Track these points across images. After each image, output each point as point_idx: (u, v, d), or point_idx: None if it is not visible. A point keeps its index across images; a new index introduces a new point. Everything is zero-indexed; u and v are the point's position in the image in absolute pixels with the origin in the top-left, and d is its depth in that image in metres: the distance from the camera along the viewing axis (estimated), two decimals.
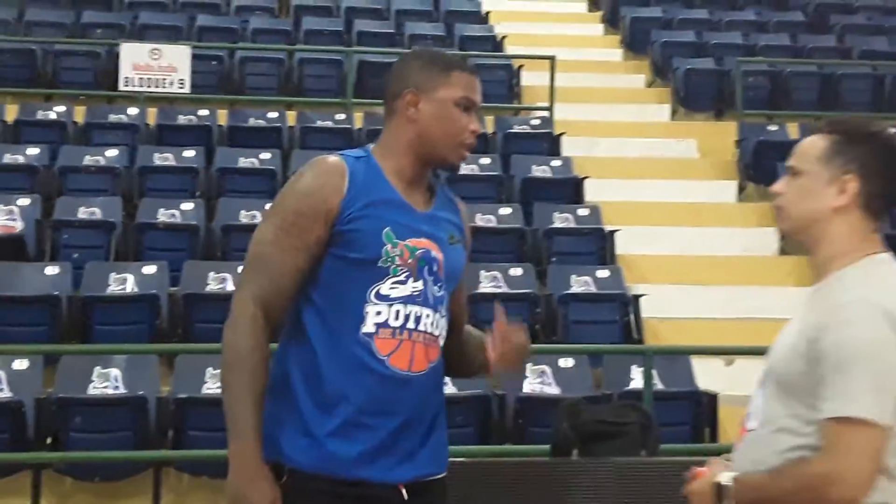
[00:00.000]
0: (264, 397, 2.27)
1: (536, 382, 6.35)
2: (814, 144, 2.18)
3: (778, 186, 2.23)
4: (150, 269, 7.12)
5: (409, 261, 2.32)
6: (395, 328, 2.30)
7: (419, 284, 2.33)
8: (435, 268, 2.36)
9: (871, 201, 2.13)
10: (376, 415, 2.27)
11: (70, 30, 11.14)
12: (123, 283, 7.00)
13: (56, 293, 6.70)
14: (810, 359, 2.04)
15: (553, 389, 6.31)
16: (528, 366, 6.40)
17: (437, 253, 2.36)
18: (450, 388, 6.21)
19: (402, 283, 2.31)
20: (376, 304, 2.29)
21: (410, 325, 2.31)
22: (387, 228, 2.31)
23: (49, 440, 5.69)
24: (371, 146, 2.45)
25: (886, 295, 2.05)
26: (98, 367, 6.04)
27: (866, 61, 11.70)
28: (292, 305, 2.33)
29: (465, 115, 2.38)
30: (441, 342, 2.37)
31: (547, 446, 4.63)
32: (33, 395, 5.80)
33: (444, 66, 2.41)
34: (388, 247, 2.30)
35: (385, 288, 2.30)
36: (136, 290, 6.95)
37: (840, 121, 2.23)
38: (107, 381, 6.01)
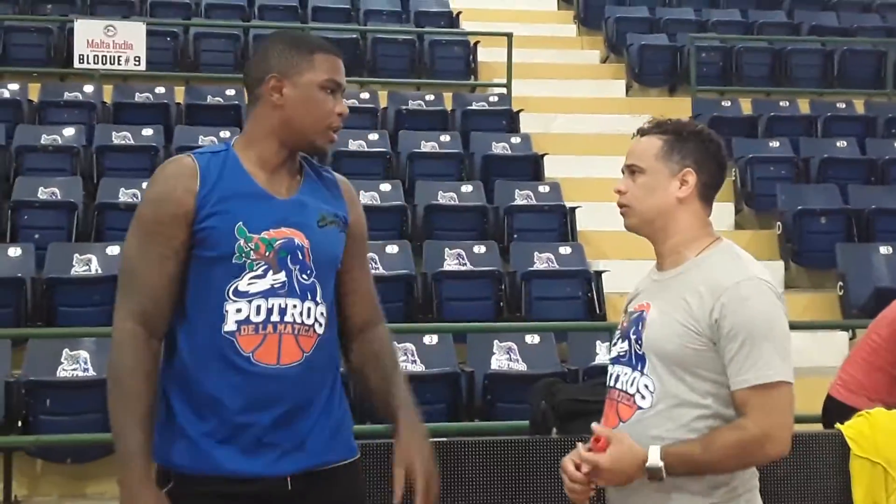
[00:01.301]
0: (152, 409, 2.25)
1: (504, 359, 6.43)
2: (650, 144, 2.38)
3: (620, 186, 2.40)
4: (113, 249, 7.07)
5: (267, 254, 2.26)
6: (257, 323, 2.24)
7: (281, 276, 2.26)
8: (300, 256, 2.29)
9: (705, 190, 2.39)
10: (249, 412, 2.23)
11: (21, 6, 10.94)
12: (87, 263, 6.97)
13: (20, 275, 6.65)
14: (711, 338, 2.25)
15: (520, 366, 6.39)
16: (496, 342, 6.49)
17: (301, 240, 2.29)
18: (418, 367, 6.30)
19: (261, 277, 2.25)
20: (235, 301, 2.24)
21: (275, 318, 2.25)
22: (239, 223, 2.25)
23: (19, 423, 5.66)
24: (233, 139, 2.41)
25: (761, 271, 2.33)
26: (66, 350, 6.02)
27: (815, 37, 11.89)
28: (172, 313, 2.30)
29: (330, 97, 2.34)
30: (320, 329, 2.29)
31: (517, 422, 4.71)
32: (2, 378, 5.77)
33: (306, 48, 2.35)
34: (241, 242, 2.25)
35: (243, 284, 2.25)
36: (100, 270, 6.91)
37: (665, 122, 2.43)
38: (76, 364, 5.99)
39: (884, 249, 8.05)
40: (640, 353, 2.34)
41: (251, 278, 2.25)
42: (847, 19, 12.46)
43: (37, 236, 7.23)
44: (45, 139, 8.52)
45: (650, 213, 2.37)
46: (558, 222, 8.09)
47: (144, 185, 7.84)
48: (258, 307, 2.24)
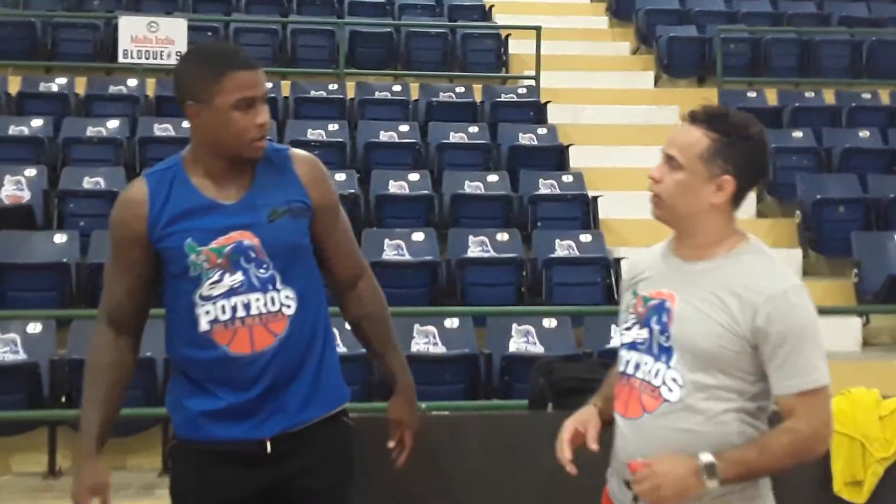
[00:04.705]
0: (113, 394, 2.59)
1: (521, 342, 6.69)
2: (698, 142, 2.30)
3: (656, 173, 2.34)
4: None
5: (219, 261, 2.48)
6: (225, 321, 2.49)
7: (238, 276, 2.49)
8: (252, 254, 2.50)
9: (739, 195, 2.36)
10: (236, 391, 2.52)
11: (68, 2, 11.36)
12: None
13: (65, 260, 7.02)
14: (751, 342, 2.28)
15: (537, 348, 6.63)
16: (514, 326, 6.75)
17: (251, 240, 2.50)
18: (439, 348, 6.59)
19: (219, 281, 2.49)
20: (203, 304, 2.49)
21: (240, 313, 2.50)
22: (188, 240, 2.48)
23: (63, 399, 6.01)
24: (185, 150, 2.61)
25: (796, 276, 2.37)
26: None
27: (844, 28, 11.94)
28: (145, 313, 2.62)
29: (246, 114, 2.46)
30: (289, 311, 2.53)
31: (524, 401, 4.96)
32: (47, 356, 6.15)
33: (216, 69, 2.45)
34: (193, 257, 2.48)
35: (205, 290, 2.49)
36: None
37: (721, 117, 2.33)
38: None
39: None
40: (667, 345, 2.33)
41: (210, 284, 2.50)
42: (878, 9, 12.50)
43: (81, 224, 7.59)
44: (90, 131, 8.88)
45: (680, 212, 2.33)
46: (580, 211, 8.32)
47: None
48: (223, 307, 2.50)
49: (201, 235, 2.50)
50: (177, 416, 2.61)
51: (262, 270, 2.52)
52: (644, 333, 2.38)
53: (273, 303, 2.53)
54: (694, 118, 2.33)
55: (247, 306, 2.51)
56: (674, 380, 2.32)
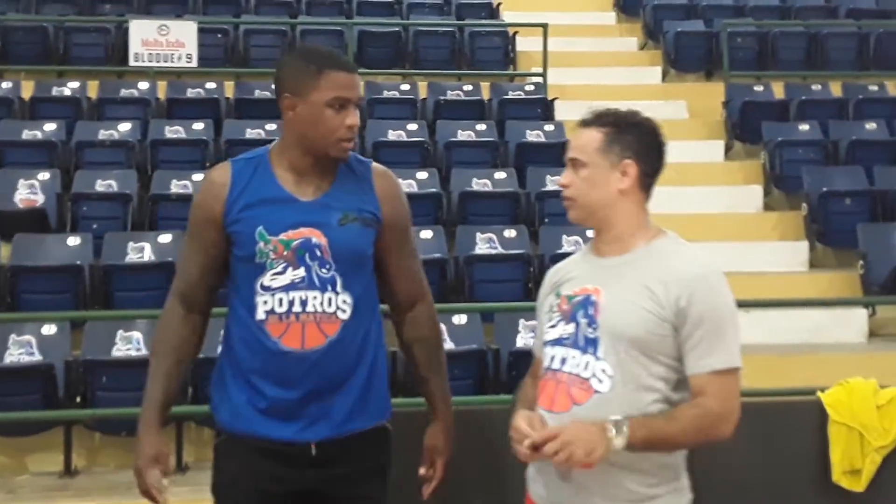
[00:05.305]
0: (179, 370, 2.67)
1: (529, 337, 6.76)
2: (593, 138, 2.45)
3: (564, 180, 2.49)
4: (165, 237, 7.53)
5: (285, 253, 2.55)
6: (280, 314, 2.55)
7: (300, 271, 2.55)
8: (318, 252, 2.56)
9: (645, 179, 2.47)
10: (281, 387, 2.56)
11: (80, 6, 11.49)
12: (141, 251, 7.42)
13: (78, 262, 7.12)
14: (674, 324, 2.35)
15: None
16: (521, 322, 6.83)
17: (319, 238, 2.57)
18: (448, 344, 6.66)
19: (281, 273, 2.55)
20: (262, 294, 2.55)
21: (296, 308, 2.54)
22: (259, 227, 2.55)
23: (78, 399, 6.11)
24: (272, 144, 2.69)
25: (715, 262, 2.45)
26: (121, 331, 6.48)
27: (852, 20, 11.96)
28: (214, 294, 2.69)
29: (338, 113, 2.56)
30: (344, 315, 2.58)
31: None
32: (62, 357, 6.25)
33: (316, 67, 2.56)
34: (261, 244, 2.55)
35: (266, 279, 2.55)
36: (153, 258, 7.36)
37: (606, 113, 2.48)
38: (129, 344, 6.44)
39: None
40: (593, 336, 2.39)
41: (273, 275, 2.57)
42: (885, 1, 12.49)
43: (95, 226, 7.69)
44: (102, 134, 8.98)
45: (593, 206, 2.44)
46: None
47: (195, 176, 8.43)
48: (280, 299, 2.56)
49: (273, 225, 2.58)
50: (223, 411, 2.65)
51: (324, 270, 2.59)
52: (570, 328, 2.44)
53: (329, 304, 2.59)
54: (585, 122, 2.49)
55: (304, 302, 2.57)
56: (603, 371, 2.37)
